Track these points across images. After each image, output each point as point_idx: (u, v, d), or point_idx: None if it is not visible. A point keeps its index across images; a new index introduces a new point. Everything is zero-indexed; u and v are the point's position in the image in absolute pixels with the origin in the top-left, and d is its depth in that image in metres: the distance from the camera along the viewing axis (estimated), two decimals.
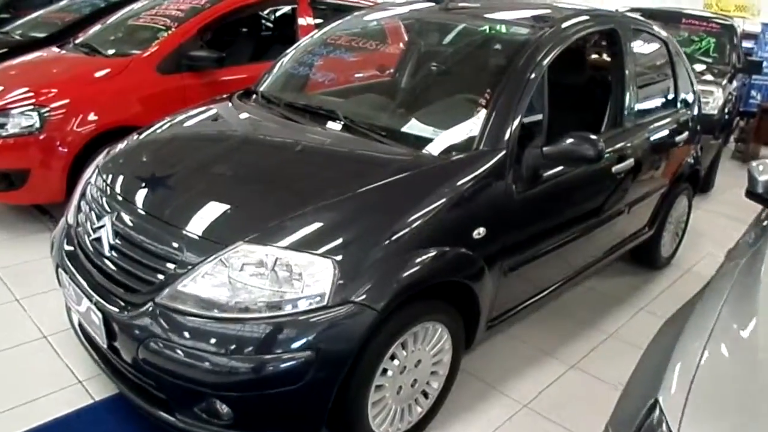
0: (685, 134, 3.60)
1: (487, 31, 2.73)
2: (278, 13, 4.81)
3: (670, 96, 3.56)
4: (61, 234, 2.35)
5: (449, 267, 2.04)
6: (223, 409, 1.80)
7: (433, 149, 2.22)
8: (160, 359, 1.79)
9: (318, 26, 4.76)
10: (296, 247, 1.81)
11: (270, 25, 4.83)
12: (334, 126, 2.41)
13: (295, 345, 1.73)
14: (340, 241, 1.83)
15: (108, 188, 2.23)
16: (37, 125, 3.49)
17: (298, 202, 1.95)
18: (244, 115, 2.66)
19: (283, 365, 1.73)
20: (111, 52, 4.13)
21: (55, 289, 2.49)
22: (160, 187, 2.17)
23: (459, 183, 2.09)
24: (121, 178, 2.27)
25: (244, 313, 1.75)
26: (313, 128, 2.43)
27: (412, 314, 1.97)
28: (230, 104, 2.78)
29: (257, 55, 4.50)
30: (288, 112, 2.58)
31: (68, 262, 2.16)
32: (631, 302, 3.59)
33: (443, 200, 2.03)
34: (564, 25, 2.66)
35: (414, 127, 2.37)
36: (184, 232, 1.92)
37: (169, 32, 4.05)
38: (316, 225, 1.88)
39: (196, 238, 1.89)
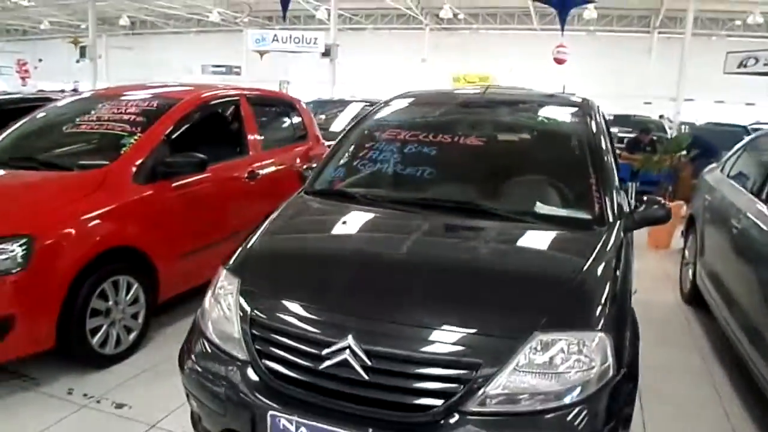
0: None
1: (546, 120, 3.14)
2: (222, 112, 4.60)
3: None
4: (242, 381, 1.99)
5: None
6: None
7: (591, 225, 2.47)
8: None
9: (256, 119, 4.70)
10: (580, 327, 1.91)
11: (218, 123, 4.58)
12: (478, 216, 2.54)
13: (608, 413, 1.83)
14: (601, 314, 1.98)
15: (320, 310, 2.03)
16: (20, 260, 2.86)
17: (547, 285, 2.08)
18: (377, 215, 2.61)
19: None
20: (67, 164, 3.57)
21: None
22: (395, 294, 2.06)
23: (623, 250, 2.38)
24: (330, 292, 2.10)
25: (563, 399, 1.79)
26: (465, 220, 2.52)
27: None
28: (342, 206, 2.71)
29: (218, 154, 4.22)
30: (415, 208, 2.61)
31: (285, 404, 1.89)
32: None
33: (623, 264, 2.31)
34: (591, 108, 3.18)
35: (551, 209, 2.63)
36: (463, 333, 1.88)
37: (136, 138, 3.65)
38: (577, 304, 2.01)
39: (483, 337, 1.87)
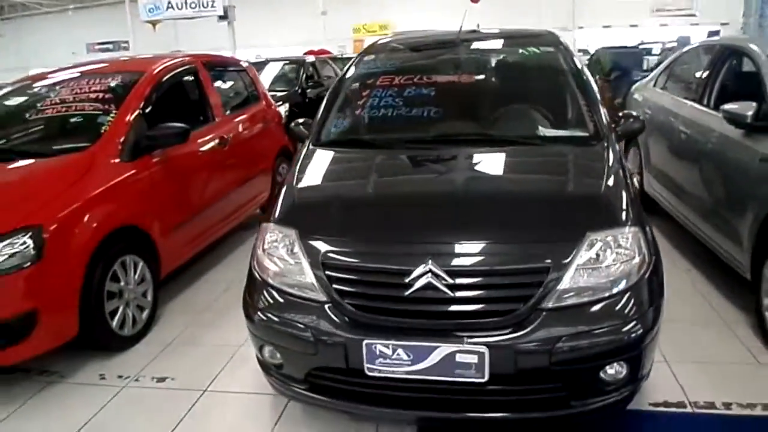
0: None
1: (527, 52, 3.35)
2: (186, 80, 4.46)
3: None
4: (328, 321, 2.11)
5: None
6: (622, 370, 2.06)
7: (591, 141, 2.72)
8: (573, 353, 1.98)
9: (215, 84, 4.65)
10: (623, 224, 2.18)
11: (183, 92, 4.46)
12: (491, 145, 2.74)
13: (650, 295, 2.13)
14: (628, 212, 2.26)
15: (392, 243, 2.17)
16: (32, 253, 2.76)
17: (582, 194, 2.35)
18: (404, 154, 2.75)
19: (651, 311, 2.10)
20: (47, 150, 3.42)
21: None
22: (459, 218, 2.23)
23: (622, 158, 2.68)
24: (397, 226, 2.26)
25: (613, 289, 2.05)
26: (488, 149, 2.70)
27: None
28: (364, 152, 2.83)
29: (189, 123, 4.13)
30: (436, 145, 2.79)
31: (376, 333, 2.04)
32: None
33: (627, 169, 2.60)
34: (558, 38, 3.43)
35: (556, 132, 2.90)
36: (529, 243, 2.11)
37: (113, 116, 3.53)
38: (611, 206, 2.28)
39: (547, 243, 2.10)
